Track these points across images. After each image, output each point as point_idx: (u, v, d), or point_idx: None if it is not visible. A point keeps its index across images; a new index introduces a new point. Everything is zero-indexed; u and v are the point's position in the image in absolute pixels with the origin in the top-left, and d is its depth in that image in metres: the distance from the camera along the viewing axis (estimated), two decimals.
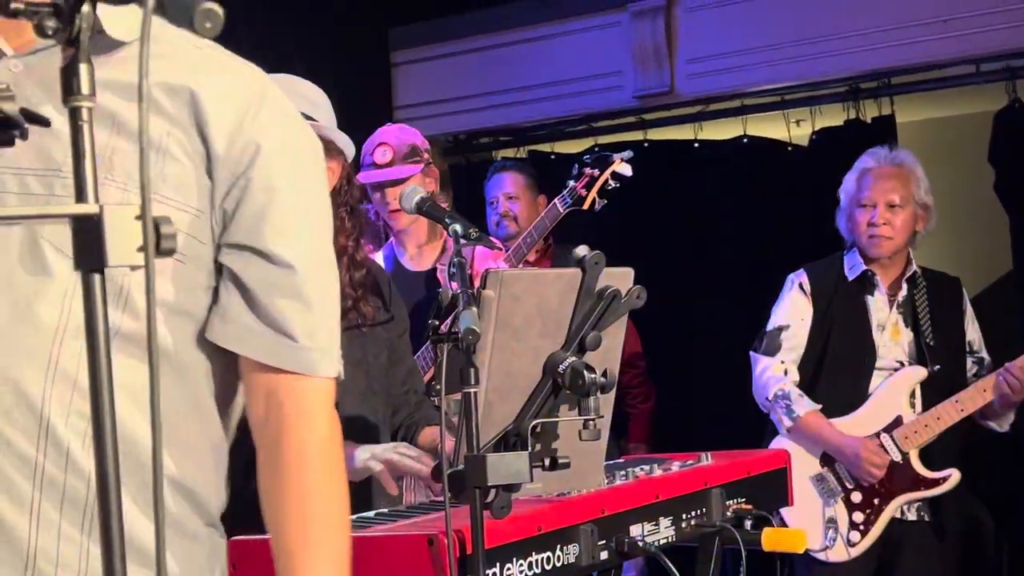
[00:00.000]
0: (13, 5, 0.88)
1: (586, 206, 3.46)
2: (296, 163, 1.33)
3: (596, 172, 3.44)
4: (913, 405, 3.54)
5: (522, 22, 5.83)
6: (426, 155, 3.42)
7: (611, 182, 3.44)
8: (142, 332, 1.24)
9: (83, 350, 1.09)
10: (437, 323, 1.79)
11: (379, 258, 3.45)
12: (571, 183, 3.46)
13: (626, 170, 3.44)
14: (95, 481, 1.13)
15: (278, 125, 1.31)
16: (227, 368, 1.36)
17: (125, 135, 1.24)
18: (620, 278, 1.93)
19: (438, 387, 1.73)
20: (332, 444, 1.36)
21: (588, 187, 3.43)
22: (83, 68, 0.87)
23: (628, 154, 3.47)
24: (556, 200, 3.52)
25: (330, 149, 2.47)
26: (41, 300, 1.22)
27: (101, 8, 0.88)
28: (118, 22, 1.22)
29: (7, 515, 1.23)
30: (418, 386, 2.80)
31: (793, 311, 3.64)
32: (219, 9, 0.84)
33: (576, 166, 3.49)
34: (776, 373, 3.58)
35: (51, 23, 0.86)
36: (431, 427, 2.67)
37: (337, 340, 1.38)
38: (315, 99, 2.54)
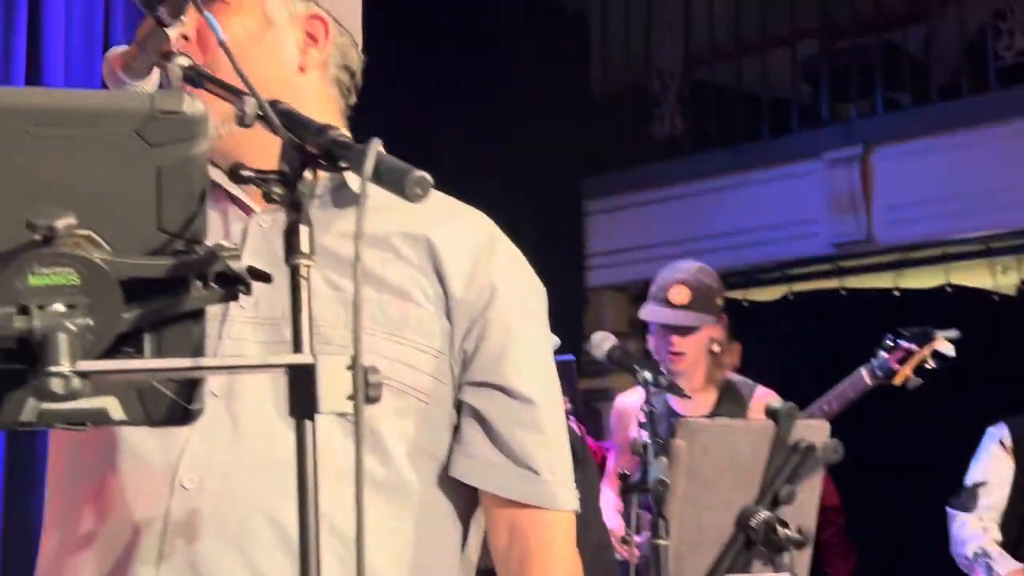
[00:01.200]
0: (244, 173, 0.96)
1: (898, 381, 3.24)
2: (526, 303, 1.39)
3: (914, 347, 3.22)
4: None
5: (715, 171, 5.89)
6: (719, 301, 3.29)
7: (930, 361, 3.21)
8: (393, 478, 1.28)
9: (341, 494, 1.14)
10: (627, 473, 1.79)
11: (637, 395, 3.31)
12: (883, 354, 3.25)
13: (949, 350, 3.21)
14: None
15: (508, 267, 1.38)
16: (469, 504, 1.38)
17: (372, 283, 1.30)
18: (815, 431, 1.90)
19: (630, 537, 1.72)
20: None
21: (902, 362, 3.23)
22: (303, 230, 0.94)
23: (954, 333, 3.24)
24: (863, 369, 3.30)
25: None
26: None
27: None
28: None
29: None
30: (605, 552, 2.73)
31: (992, 467, 3.49)
32: (429, 177, 0.91)
33: (890, 337, 3.28)
34: (974, 530, 3.42)
35: (278, 190, 0.94)
36: None
37: (572, 474, 1.39)
38: None
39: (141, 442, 1.28)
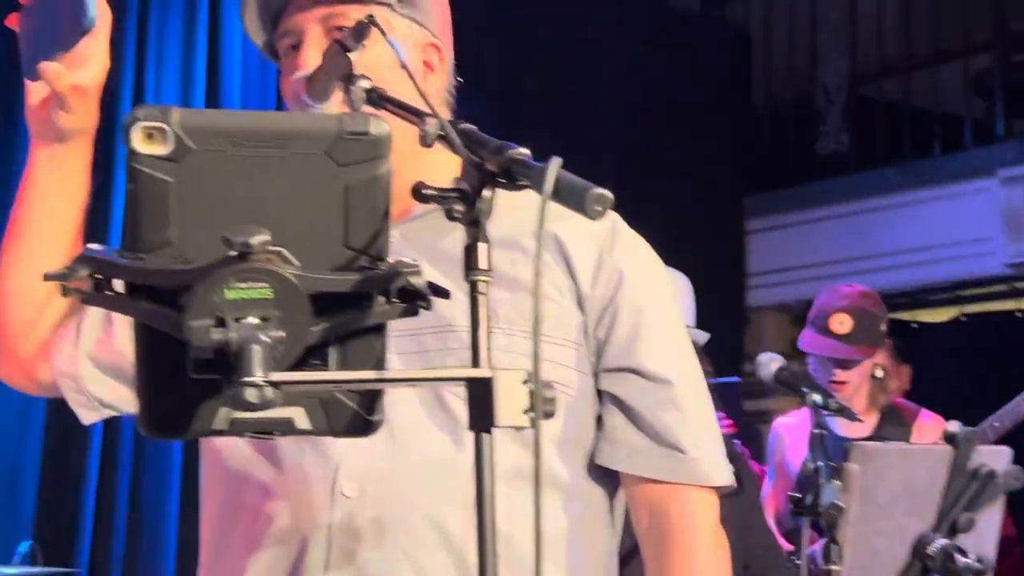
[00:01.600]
0: (426, 191, 0.99)
1: None
2: (653, 284, 1.41)
3: None
4: None
5: (882, 189, 5.74)
6: (882, 327, 3.15)
7: None
8: (541, 470, 1.29)
9: (498, 489, 1.16)
10: (799, 496, 1.76)
11: (794, 418, 3.29)
12: None
13: None
14: None
15: (631, 252, 1.41)
16: (615, 487, 1.40)
17: (504, 284, 1.32)
18: (995, 457, 1.83)
19: (798, 561, 1.69)
20: (717, 556, 1.36)
21: None
22: (482, 247, 0.96)
23: None
24: None
25: None
26: (457, 447, 1.29)
27: None
28: None
29: None
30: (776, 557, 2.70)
31: None
32: (609, 194, 0.91)
33: None
34: None
35: (459, 208, 0.96)
36: None
37: (722, 448, 1.40)
38: (678, 284, 2.56)
39: (300, 453, 1.32)
